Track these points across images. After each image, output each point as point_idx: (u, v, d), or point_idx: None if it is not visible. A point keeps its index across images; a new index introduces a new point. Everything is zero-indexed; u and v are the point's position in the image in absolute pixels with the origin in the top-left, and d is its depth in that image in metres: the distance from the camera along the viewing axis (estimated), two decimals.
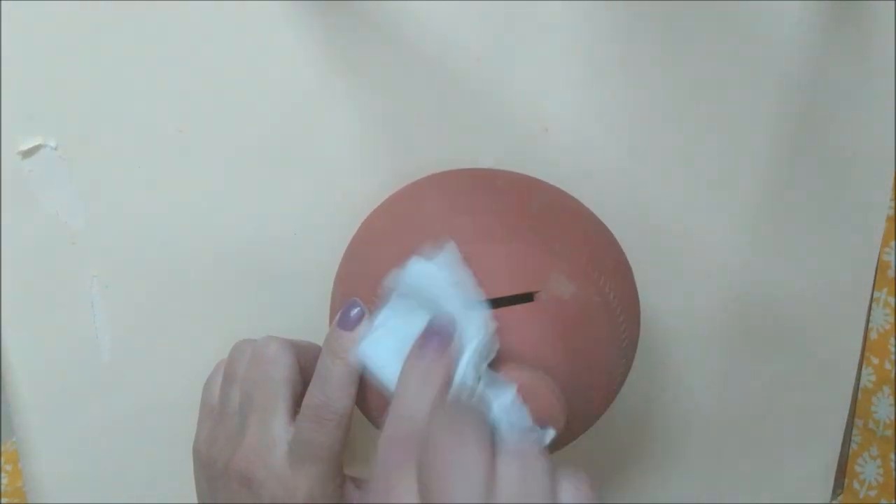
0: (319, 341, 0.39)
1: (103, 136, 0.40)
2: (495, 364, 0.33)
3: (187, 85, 0.40)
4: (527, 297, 0.34)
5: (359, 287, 0.37)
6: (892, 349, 0.78)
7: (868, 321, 0.52)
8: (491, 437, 0.29)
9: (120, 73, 0.39)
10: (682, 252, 0.47)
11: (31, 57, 0.39)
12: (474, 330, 0.32)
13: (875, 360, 0.81)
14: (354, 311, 0.35)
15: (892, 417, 0.79)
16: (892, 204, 0.53)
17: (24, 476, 0.47)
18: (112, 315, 0.43)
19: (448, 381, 0.31)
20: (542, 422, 0.32)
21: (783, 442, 0.54)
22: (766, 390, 0.52)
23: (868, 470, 0.84)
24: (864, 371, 0.78)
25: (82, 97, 0.40)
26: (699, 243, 0.47)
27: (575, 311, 0.35)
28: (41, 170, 0.40)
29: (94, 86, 0.39)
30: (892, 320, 0.77)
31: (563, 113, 0.43)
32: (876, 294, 0.77)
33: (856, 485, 0.84)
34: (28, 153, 0.40)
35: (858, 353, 0.52)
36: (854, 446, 0.81)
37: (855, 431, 0.80)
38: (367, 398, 0.36)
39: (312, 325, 0.44)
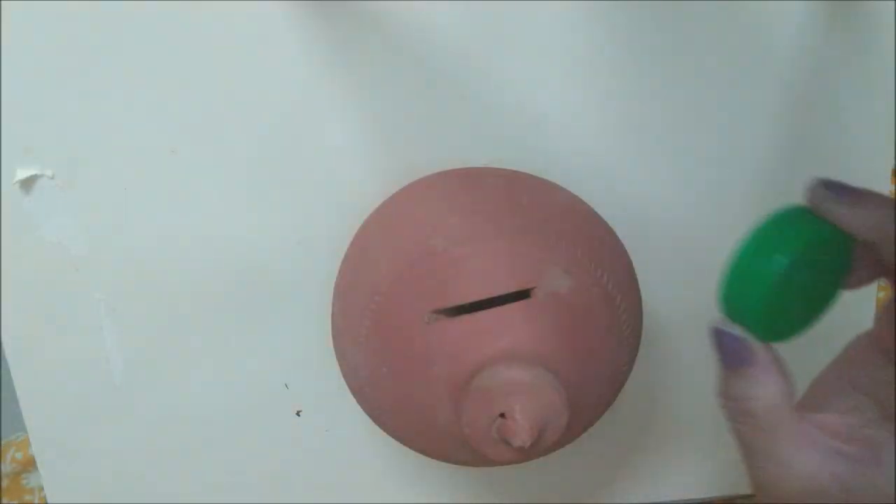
0: (324, 349, 0.40)
1: (98, 162, 0.41)
2: (495, 364, 0.33)
3: (178, 104, 0.41)
4: (523, 295, 0.34)
5: (355, 297, 0.38)
6: None
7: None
8: None
9: (109, 98, 0.40)
10: (680, 246, 0.47)
11: (25, 90, 0.40)
12: None
13: None
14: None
15: None
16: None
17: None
18: (121, 337, 0.44)
19: None
20: (544, 420, 0.32)
21: None
22: None
23: None
24: None
25: (74, 126, 0.40)
26: (697, 237, 0.47)
27: (573, 304, 0.35)
28: (40, 200, 0.41)
29: (84, 114, 0.40)
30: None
31: (557, 106, 0.43)
32: None
33: None
34: (25, 184, 0.41)
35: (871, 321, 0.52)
36: None
37: None
38: None
39: (320, 336, 0.45)
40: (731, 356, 0.31)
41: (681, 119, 0.44)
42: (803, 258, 0.30)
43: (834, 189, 0.30)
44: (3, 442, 0.62)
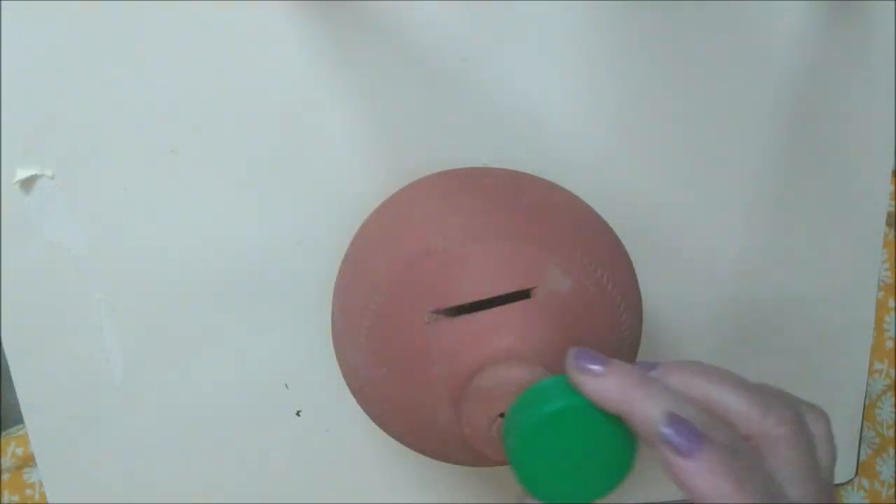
0: (324, 349, 0.39)
1: (98, 162, 0.41)
2: (495, 364, 0.33)
3: (178, 104, 0.41)
4: (523, 294, 0.34)
5: (355, 298, 0.38)
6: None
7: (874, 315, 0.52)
8: None
9: (109, 98, 0.40)
10: (680, 246, 0.47)
11: (25, 90, 0.39)
12: None
13: None
14: None
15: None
16: (892, 202, 0.53)
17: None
18: (121, 337, 0.44)
19: None
20: None
21: None
22: (773, 384, 0.52)
23: (885, 470, 0.83)
24: None
25: (74, 127, 0.40)
26: (697, 237, 0.47)
27: (573, 304, 0.35)
28: (40, 200, 0.41)
29: (85, 115, 0.40)
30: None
31: (557, 106, 0.43)
32: None
33: (876, 485, 0.84)
34: (26, 184, 0.41)
35: (870, 331, 0.52)
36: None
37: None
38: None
39: (320, 336, 0.45)
40: None
41: (681, 119, 0.44)
42: (553, 423, 0.30)
43: (579, 360, 0.30)
44: (2, 436, 0.62)
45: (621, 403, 0.28)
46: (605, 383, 0.29)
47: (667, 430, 0.27)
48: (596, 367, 0.29)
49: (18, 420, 0.49)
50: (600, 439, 0.30)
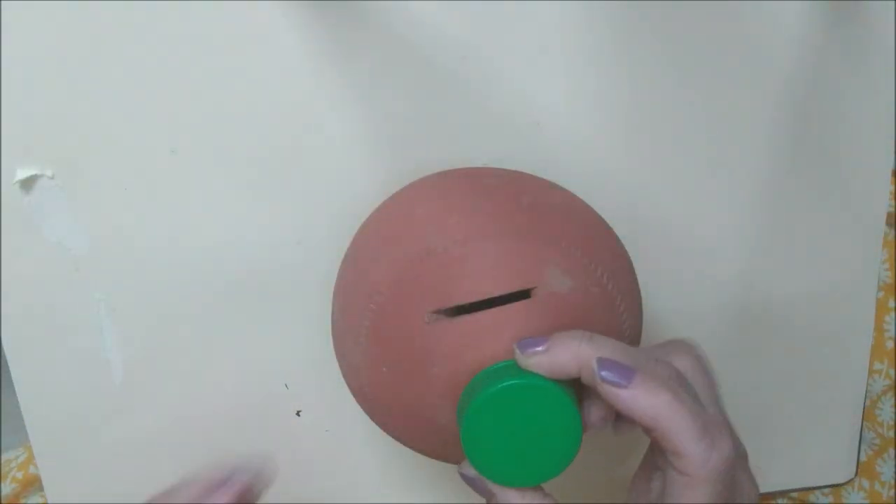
0: (324, 349, 0.39)
1: (98, 162, 0.41)
2: (495, 364, 0.33)
3: (178, 104, 0.40)
4: (523, 295, 0.34)
5: (355, 298, 0.38)
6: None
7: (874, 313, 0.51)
8: None
9: (109, 98, 0.40)
10: (680, 246, 0.47)
11: (25, 90, 0.39)
12: None
13: None
14: None
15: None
16: (892, 202, 0.53)
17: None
18: (122, 338, 0.44)
19: None
20: None
21: (791, 436, 0.54)
22: (773, 384, 0.52)
23: (886, 471, 0.83)
24: None
25: (74, 126, 0.40)
26: (698, 237, 0.47)
27: (573, 304, 0.34)
28: (40, 200, 0.41)
29: (84, 114, 0.40)
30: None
31: (557, 106, 0.43)
32: None
33: (877, 486, 0.83)
34: (26, 184, 0.41)
35: (870, 331, 0.52)
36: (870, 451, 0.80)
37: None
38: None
39: (320, 336, 0.45)
40: (478, 492, 0.34)
41: (681, 119, 0.44)
42: (501, 401, 0.31)
43: (524, 348, 0.32)
44: (3, 459, 0.61)
45: (577, 362, 0.31)
46: (553, 356, 0.31)
47: (603, 373, 0.31)
48: (540, 348, 0.32)
49: (18, 421, 0.49)
50: (547, 420, 0.32)
